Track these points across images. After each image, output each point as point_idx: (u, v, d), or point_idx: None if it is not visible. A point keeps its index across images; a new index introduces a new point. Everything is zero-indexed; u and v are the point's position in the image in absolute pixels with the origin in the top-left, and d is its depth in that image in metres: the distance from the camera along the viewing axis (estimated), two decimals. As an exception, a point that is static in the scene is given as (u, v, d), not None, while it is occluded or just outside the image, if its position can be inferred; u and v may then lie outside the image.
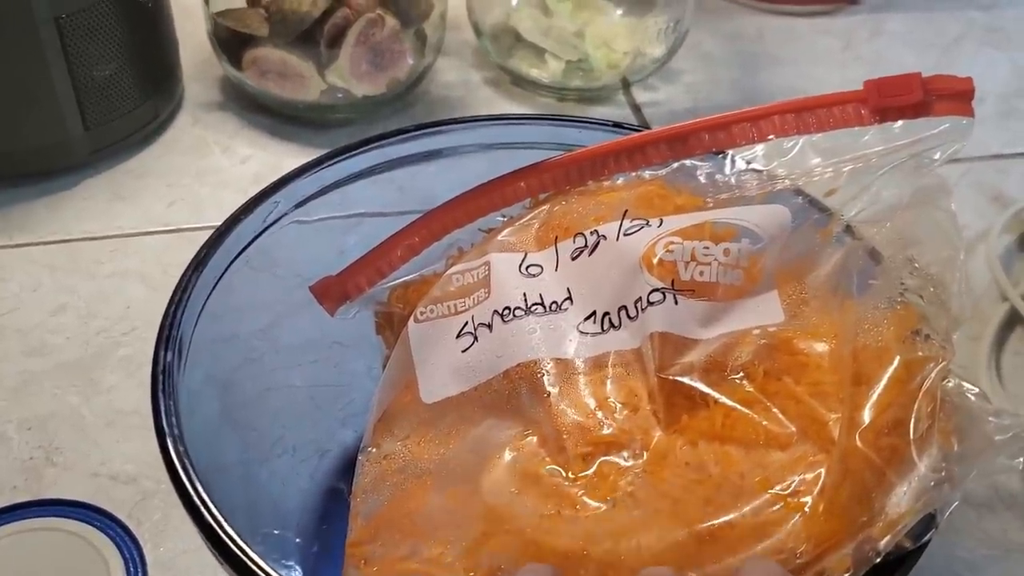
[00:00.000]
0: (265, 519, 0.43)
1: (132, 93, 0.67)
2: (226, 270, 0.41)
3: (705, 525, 0.32)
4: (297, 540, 0.45)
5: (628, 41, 0.74)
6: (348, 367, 0.48)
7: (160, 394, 0.35)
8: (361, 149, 0.45)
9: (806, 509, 0.31)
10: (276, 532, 0.43)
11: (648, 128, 0.43)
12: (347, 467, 0.41)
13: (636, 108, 0.77)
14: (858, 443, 0.31)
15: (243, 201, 0.43)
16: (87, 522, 0.45)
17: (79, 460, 0.51)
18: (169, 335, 0.37)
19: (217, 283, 0.41)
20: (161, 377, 0.35)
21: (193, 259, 0.40)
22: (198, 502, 0.32)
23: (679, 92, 0.79)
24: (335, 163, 0.44)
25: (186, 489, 0.32)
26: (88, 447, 0.51)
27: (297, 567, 0.44)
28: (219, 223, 0.42)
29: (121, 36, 0.65)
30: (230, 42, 0.69)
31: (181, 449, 0.33)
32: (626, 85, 0.77)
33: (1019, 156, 0.74)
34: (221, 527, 0.31)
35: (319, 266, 0.42)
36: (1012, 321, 0.59)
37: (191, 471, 0.33)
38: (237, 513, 0.33)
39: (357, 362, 0.47)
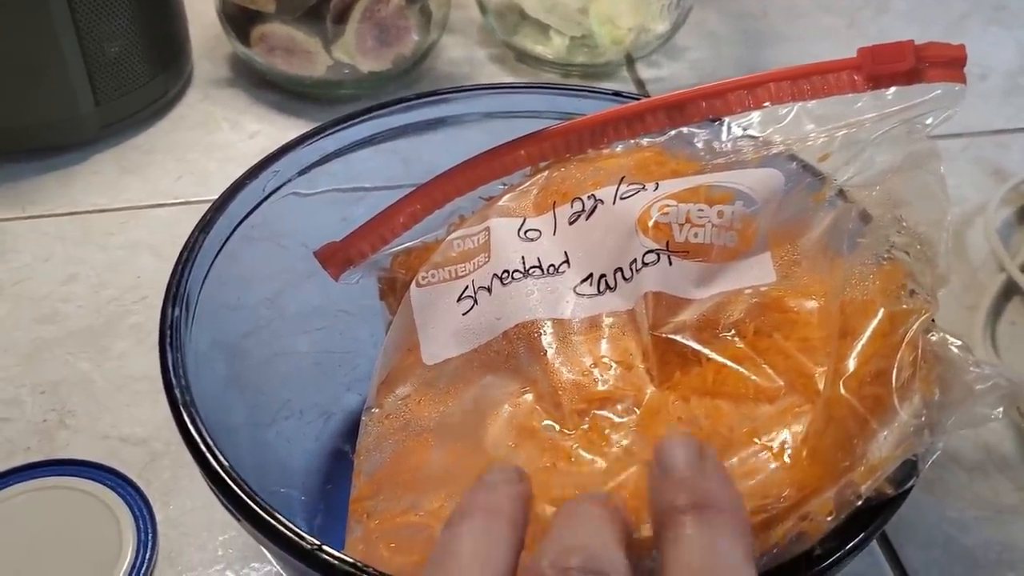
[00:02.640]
0: (272, 478, 0.44)
1: (142, 69, 0.68)
2: (231, 234, 0.42)
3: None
4: (303, 498, 0.46)
5: (632, 17, 0.74)
6: (353, 334, 0.49)
7: (168, 348, 0.36)
8: (362, 118, 0.46)
9: (787, 456, 0.32)
10: (283, 491, 0.44)
11: (648, 100, 0.44)
12: (351, 430, 0.42)
13: (640, 84, 0.78)
14: (842, 391, 0.32)
15: (250, 173, 0.44)
16: (99, 481, 0.46)
17: (90, 423, 0.52)
18: (177, 292, 0.38)
19: (223, 246, 0.41)
20: (169, 332, 0.36)
21: (199, 221, 0.41)
22: (204, 448, 0.33)
23: (683, 69, 0.80)
24: (336, 131, 0.45)
25: (193, 438, 0.33)
26: (99, 411, 0.53)
27: (302, 523, 0.45)
28: (227, 195, 0.43)
29: (132, 12, 0.66)
30: (238, 18, 0.70)
31: (188, 399, 0.34)
32: (630, 61, 0.78)
33: (1021, 132, 0.75)
34: (228, 474, 0.32)
35: (324, 237, 0.43)
36: (1009, 291, 0.60)
37: (199, 421, 0.34)
38: (245, 472, 0.34)
39: (362, 329, 0.47)
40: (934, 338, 0.33)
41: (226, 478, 0.32)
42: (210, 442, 0.33)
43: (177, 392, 0.34)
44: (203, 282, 0.40)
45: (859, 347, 0.32)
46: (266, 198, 0.44)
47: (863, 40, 0.83)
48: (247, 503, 0.31)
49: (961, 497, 0.50)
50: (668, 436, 0.31)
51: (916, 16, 0.88)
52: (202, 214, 0.42)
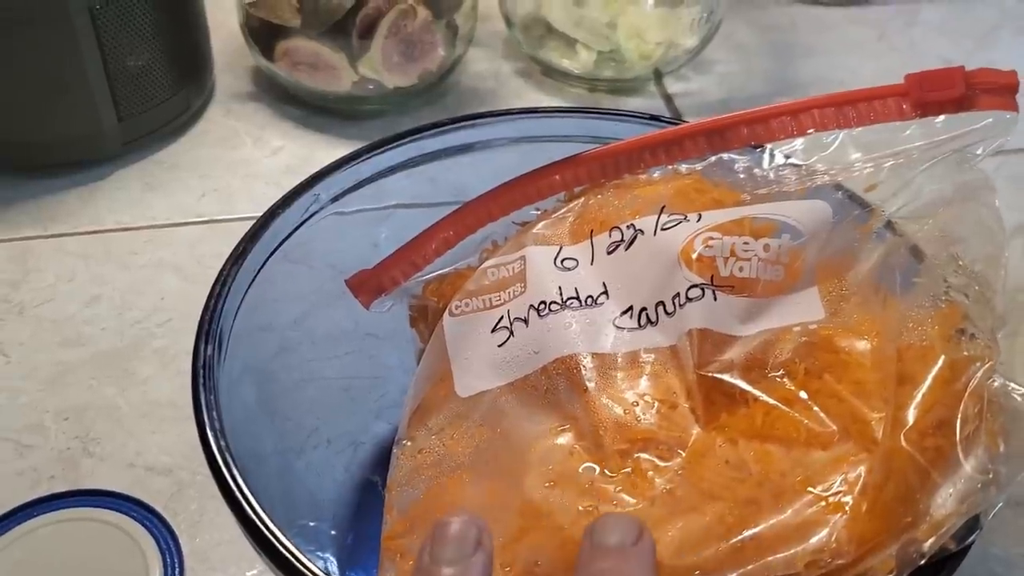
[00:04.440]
0: (301, 510, 0.43)
1: (165, 84, 0.68)
2: (265, 263, 0.41)
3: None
4: (332, 532, 0.45)
5: (661, 32, 0.73)
6: (382, 359, 0.48)
7: (201, 388, 0.35)
8: (398, 143, 0.45)
9: (847, 509, 0.31)
10: (312, 524, 0.44)
11: (681, 119, 0.43)
12: (381, 459, 0.41)
13: (668, 99, 0.76)
14: (902, 443, 0.31)
15: (274, 192, 0.44)
16: (124, 512, 0.45)
17: (115, 451, 0.51)
18: (209, 329, 0.37)
19: (256, 276, 0.41)
20: (202, 371, 0.35)
21: (232, 252, 0.40)
22: (239, 496, 0.32)
23: (712, 83, 0.79)
24: (372, 156, 0.44)
25: (227, 483, 0.32)
26: (124, 438, 0.52)
27: (332, 558, 0.44)
28: (251, 214, 0.42)
29: (154, 26, 0.65)
30: (262, 33, 0.70)
31: (223, 444, 0.33)
32: (658, 76, 0.77)
33: (1057, 148, 0.73)
34: (261, 520, 0.32)
35: (353, 258, 0.42)
36: (1050, 316, 0.59)
37: (232, 465, 0.33)
38: (274, 504, 0.34)
39: (391, 355, 0.47)
40: (995, 385, 0.31)
41: (266, 533, 0.31)
42: (246, 491, 0.32)
43: (211, 435, 0.33)
44: (236, 312, 0.40)
45: (919, 396, 0.31)
46: (303, 223, 0.43)
47: (893, 53, 0.82)
48: (288, 558, 0.30)
49: (1006, 534, 0.48)
50: (604, 517, 0.30)
51: (946, 28, 0.86)
52: (226, 233, 0.41)
